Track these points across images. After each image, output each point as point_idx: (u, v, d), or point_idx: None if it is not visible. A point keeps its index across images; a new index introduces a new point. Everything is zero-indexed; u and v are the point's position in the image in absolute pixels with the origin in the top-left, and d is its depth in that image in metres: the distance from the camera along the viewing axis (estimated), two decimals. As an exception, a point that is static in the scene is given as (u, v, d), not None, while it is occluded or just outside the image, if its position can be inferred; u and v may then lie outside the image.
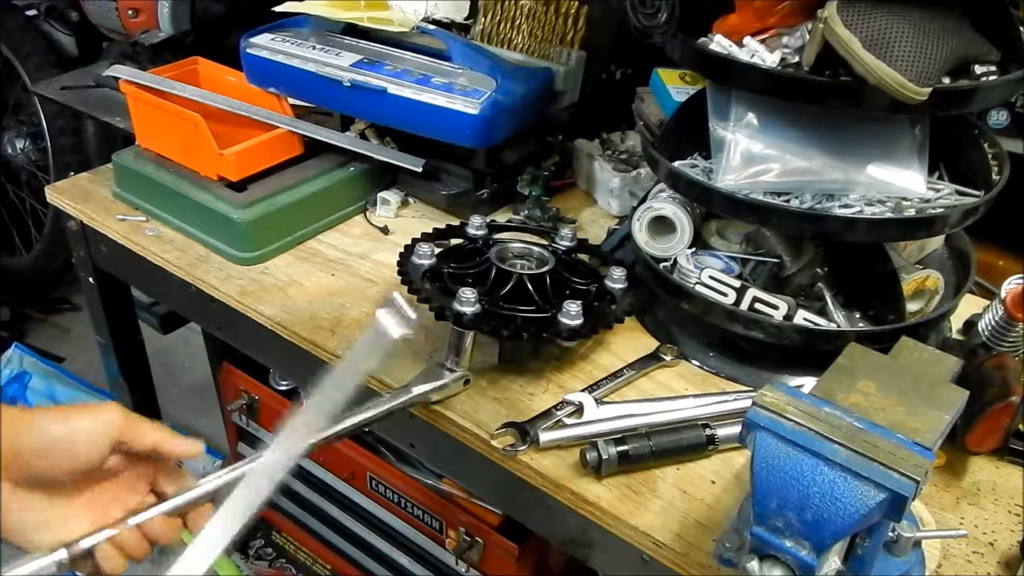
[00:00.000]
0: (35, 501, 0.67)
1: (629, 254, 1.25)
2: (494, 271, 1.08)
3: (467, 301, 0.99)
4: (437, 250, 1.13)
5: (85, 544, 0.68)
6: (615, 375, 1.08)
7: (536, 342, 1.08)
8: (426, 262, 1.09)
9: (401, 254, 1.12)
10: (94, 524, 0.70)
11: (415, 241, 1.15)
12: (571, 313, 1.01)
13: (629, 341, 1.15)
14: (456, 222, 1.24)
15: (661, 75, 1.34)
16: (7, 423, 0.65)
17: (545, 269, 1.10)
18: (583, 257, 1.21)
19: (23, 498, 0.67)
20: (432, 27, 1.37)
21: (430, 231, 1.19)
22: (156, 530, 0.72)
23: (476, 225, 1.19)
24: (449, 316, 1.00)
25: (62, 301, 2.89)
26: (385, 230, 1.36)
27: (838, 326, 1.06)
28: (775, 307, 1.05)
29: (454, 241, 1.19)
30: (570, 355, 1.12)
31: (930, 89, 0.88)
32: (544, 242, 1.20)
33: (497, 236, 1.21)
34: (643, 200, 1.19)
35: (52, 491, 0.69)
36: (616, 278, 1.12)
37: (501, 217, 1.36)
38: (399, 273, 1.08)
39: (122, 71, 1.46)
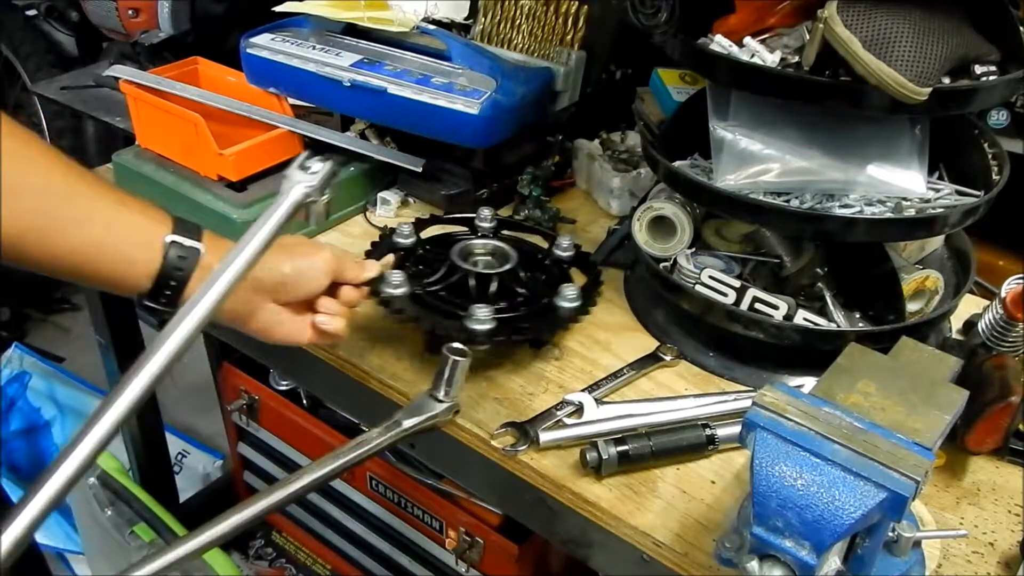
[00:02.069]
0: (282, 312, 0.94)
1: (629, 254, 1.25)
2: (464, 277, 1.09)
3: (483, 319, 1.00)
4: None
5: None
6: (615, 375, 1.08)
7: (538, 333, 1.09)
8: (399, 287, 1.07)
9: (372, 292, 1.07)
10: (303, 322, 0.96)
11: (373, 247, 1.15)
12: (568, 297, 1.04)
13: (629, 341, 1.15)
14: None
15: (661, 75, 1.34)
16: (277, 259, 0.91)
17: (514, 262, 1.12)
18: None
19: (277, 309, 0.93)
20: (432, 27, 1.37)
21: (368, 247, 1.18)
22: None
23: (404, 233, 1.17)
24: (457, 337, 0.98)
25: (62, 301, 2.89)
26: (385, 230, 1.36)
27: (838, 326, 1.06)
28: (775, 307, 1.05)
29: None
30: (570, 355, 1.12)
31: (930, 89, 0.88)
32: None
33: (425, 234, 1.20)
34: (643, 200, 1.19)
35: (289, 307, 0.95)
36: (565, 246, 1.16)
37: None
38: (391, 312, 1.05)
39: (122, 71, 1.46)
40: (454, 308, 1.03)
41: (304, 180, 0.83)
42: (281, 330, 0.95)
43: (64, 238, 0.79)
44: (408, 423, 0.92)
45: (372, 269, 1.00)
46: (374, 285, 1.03)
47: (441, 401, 0.94)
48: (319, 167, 0.84)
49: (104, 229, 0.81)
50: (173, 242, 0.84)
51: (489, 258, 1.15)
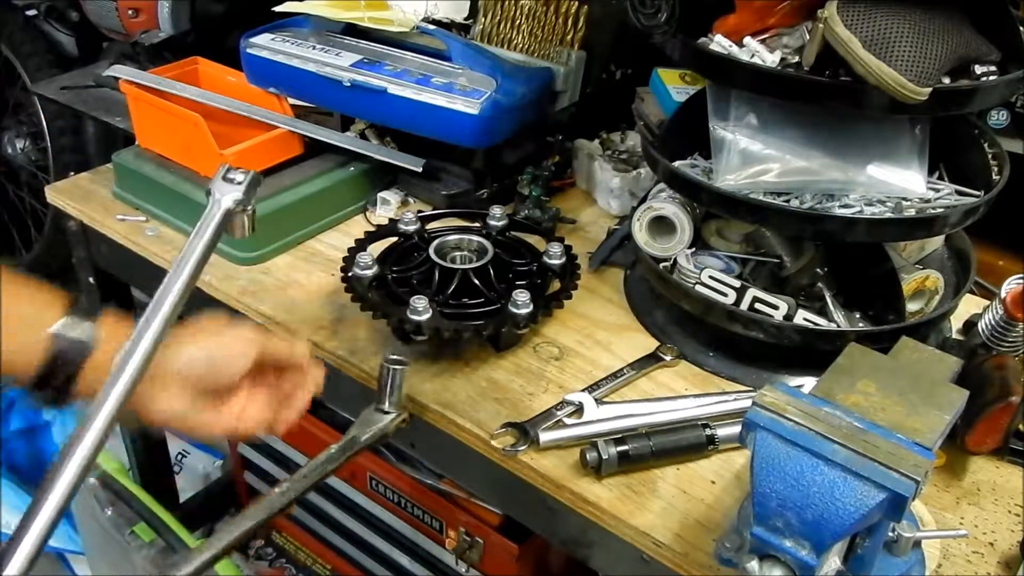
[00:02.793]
0: (199, 402, 0.84)
1: (629, 254, 1.25)
2: (431, 269, 1.10)
3: (419, 310, 1.01)
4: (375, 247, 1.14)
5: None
6: (615, 375, 1.08)
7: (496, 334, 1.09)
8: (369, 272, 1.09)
9: (342, 268, 1.12)
10: (235, 418, 0.86)
11: (352, 251, 1.15)
12: (519, 302, 1.04)
13: (629, 341, 1.15)
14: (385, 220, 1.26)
15: (661, 75, 1.34)
16: (185, 348, 0.82)
17: (486, 260, 1.11)
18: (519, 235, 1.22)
19: (191, 402, 0.83)
20: (432, 27, 1.37)
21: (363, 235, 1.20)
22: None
23: (407, 220, 1.19)
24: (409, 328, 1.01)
25: (62, 301, 2.88)
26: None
27: (838, 326, 1.06)
28: (775, 307, 1.05)
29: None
30: (570, 355, 1.12)
31: (930, 89, 0.88)
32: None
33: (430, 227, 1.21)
34: (643, 200, 1.19)
35: (213, 396, 0.84)
36: (553, 254, 1.14)
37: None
38: (346, 291, 1.08)
39: (122, 71, 1.46)
40: (405, 296, 1.04)
41: (230, 190, 0.83)
42: (196, 421, 0.84)
43: None
44: (364, 438, 0.96)
45: (304, 347, 0.90)
46: (346, 266, 1.05)
47: (387, 412, 0.98)
48: (242, 177, 0.83)
49: None
50: (56, 335, 0.78)
51: (471, 255, 1.15)
